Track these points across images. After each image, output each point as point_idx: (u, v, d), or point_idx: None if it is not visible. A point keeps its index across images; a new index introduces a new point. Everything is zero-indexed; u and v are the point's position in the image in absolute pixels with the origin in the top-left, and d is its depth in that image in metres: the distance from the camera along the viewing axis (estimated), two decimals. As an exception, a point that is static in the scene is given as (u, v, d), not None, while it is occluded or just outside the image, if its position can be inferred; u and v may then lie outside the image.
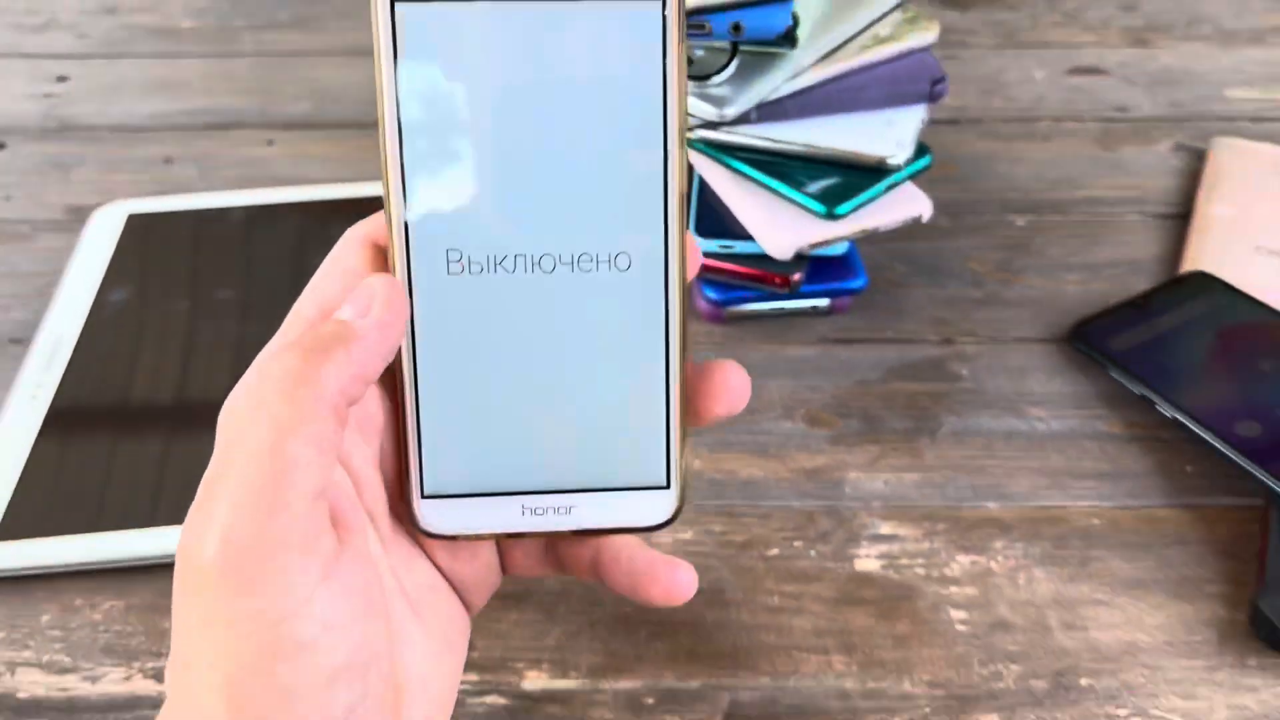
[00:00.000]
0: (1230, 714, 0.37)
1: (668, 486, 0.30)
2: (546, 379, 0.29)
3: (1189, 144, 0.62)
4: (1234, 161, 0.59)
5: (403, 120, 0.27)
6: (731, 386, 0.31)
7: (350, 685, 0.24)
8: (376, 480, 0.29)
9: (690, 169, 0.52)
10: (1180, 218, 0.57)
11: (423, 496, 0.29)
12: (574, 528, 0.30)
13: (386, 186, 0.28)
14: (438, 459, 0.29)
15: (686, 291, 0.29)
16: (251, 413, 0.24)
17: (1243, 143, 0.60)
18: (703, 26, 0.44)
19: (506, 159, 0.28)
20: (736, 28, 0.44)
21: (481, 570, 0.32)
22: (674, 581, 0.31)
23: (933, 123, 0.62)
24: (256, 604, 0.23)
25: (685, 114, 0.28)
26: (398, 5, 0.27)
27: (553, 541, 0.32)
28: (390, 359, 0.27)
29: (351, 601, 0.25)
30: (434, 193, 0.28)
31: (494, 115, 0.28)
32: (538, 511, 0.30)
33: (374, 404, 0.29)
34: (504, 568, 0.33)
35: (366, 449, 0.28)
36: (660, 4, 0.27)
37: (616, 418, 0.30)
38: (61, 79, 0.70)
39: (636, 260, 0.29)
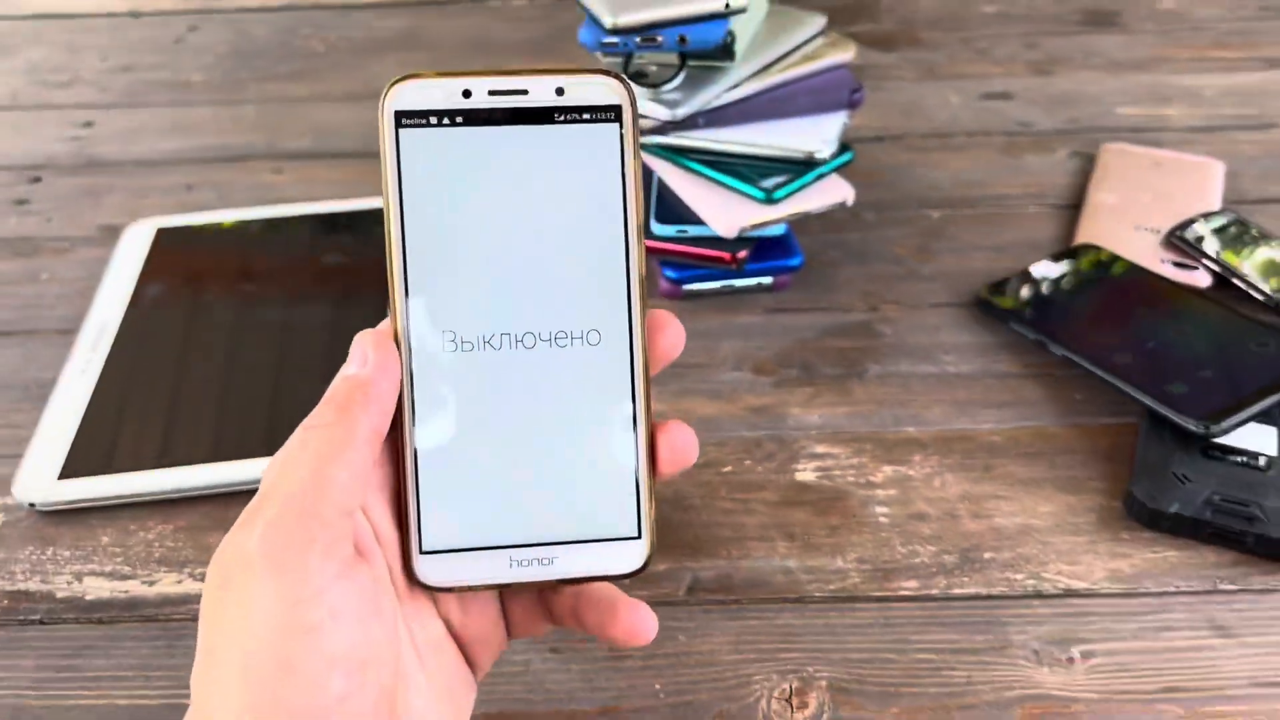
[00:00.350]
0: (1107, 574, 0.44)
1: (639, 537, 0.33)
2: (530, 443, 0.32)
3: (1082, 151, 0.71)
4: (1118, 161, 0.68)
5: (405, 224, 0.31)
6: (679, 447, 0.33)
7: (347, 675, 0.27)
8: (394, 537, 0.32)
9: (649, 171, 0.61)
10: (1073, 207, 0.66)
11: (421, 552, 0.32)
12: (557, 577, 0.32)
13: (391, 280, 0.31)
14: (434, 518, 0.32)
15: (648, 363, 0.33)
16: (299, 450, 0.29)
17: (1127, 146, 0.70)
18: (655, 39, 0.53)
19: (493, 255, 0.32)
20: (682, 39, 0.53)
21: (488, 628, 0.34)
22: (633, 622, 0.33)
23: (862, 140, 0.72)
24: (282, 583, 0.27)
25: (641, 212, 0.32)
26: (401, 130, 0.31)
27: (544, 594, 0.34)
28: (396, 392, 0.31)
29: (359, 602, 0.28)
30: (431, 285, 0.32)
31: (482, 219, 0.32)
32: (523, 563, 0.32)
33: (391, 469, 0.32)
34: (510, 630, 0.35)
35: (387, 508, 0.32)
36: (618, 125, 0.32)
37: (592, 476, 0.32)
38: (88, 124, 0.78)
39: (605, 336, 0.32)
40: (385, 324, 0.32)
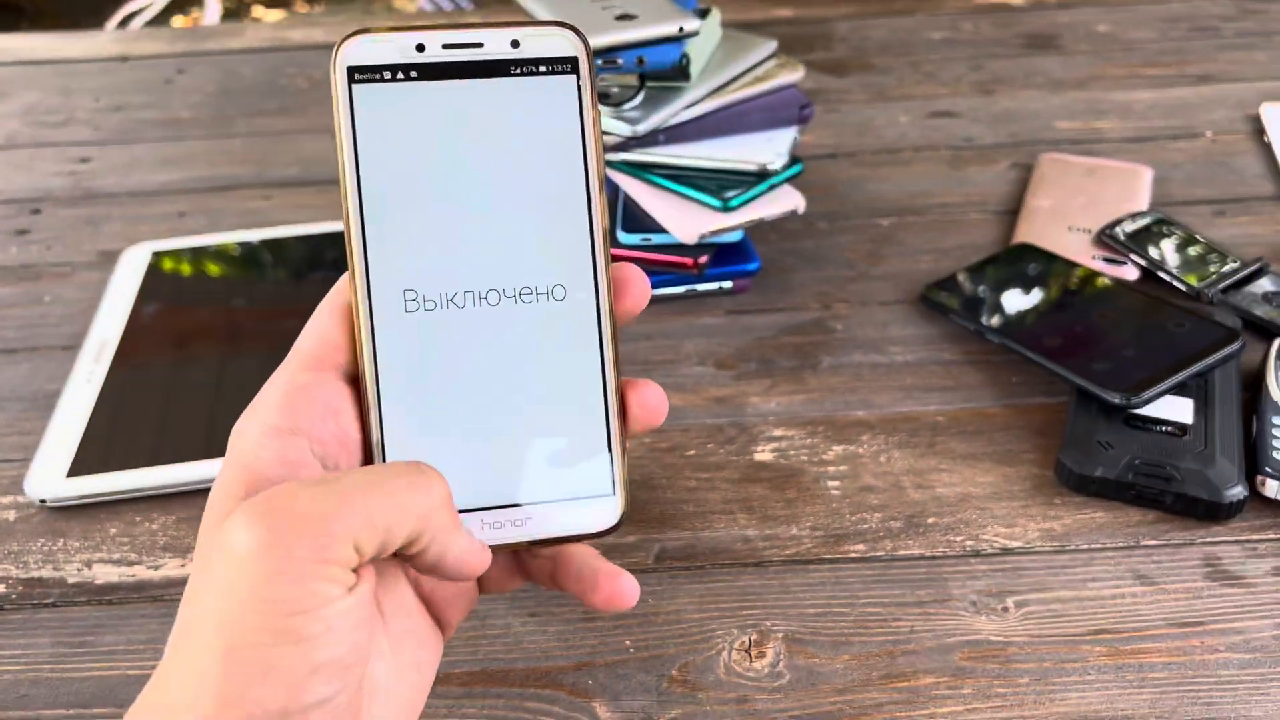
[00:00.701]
0: (1040, 534, 0.48)
1: (612, 493, 0.33)
2: (498, 402, 0.32)
3: (1021, 162, 0.76)
4: (1055, 169, 0.73)
5: (362, 183, 0.30)
6: (650, 405, 0.33)
7: (329, 680, 0.26)
8: None
9: (615, 186, 0.65)
10: (1012, 213, 0.70)
11: None
12: (530, 538, 0.32)
13: (349, 238, 0.30)
14: None
15: (615, 318, 0.32)
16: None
17: (1062, 155, 0.74)
18: (615, 61, 0.58)
19: (452, 211, 0.31)
20: (640, 61, 0.58)
21: (458, 587, 0.34)
22: (615, 590, 0.33)
23: (816, 157, 0.77)
24: (284, 593, 0.26)
25: (603, 165, 0.32)
26: (355, 86, 0.30)
27: (518, 554, 0.34)
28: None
29: (356, 616, 0.27)
30: (390, 243, 0.31)
31: (440, 176, 0.31)
32: (496, 525, 0.32)
33: (352, 427, 0.31)
34: (481, 587, 0.35)
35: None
36: (575, 76, 0.32)
37: (562, 434, 0.32)
38: (84, 160, 0.82)
39: (571, 291, 0.32)
40: (344, 281, 0.31)
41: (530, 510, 0.32)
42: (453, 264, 0.31)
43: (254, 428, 0.30)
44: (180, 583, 0.47)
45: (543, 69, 0.32)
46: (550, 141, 0.32)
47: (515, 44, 0.31)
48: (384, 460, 0.31)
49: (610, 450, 0.33)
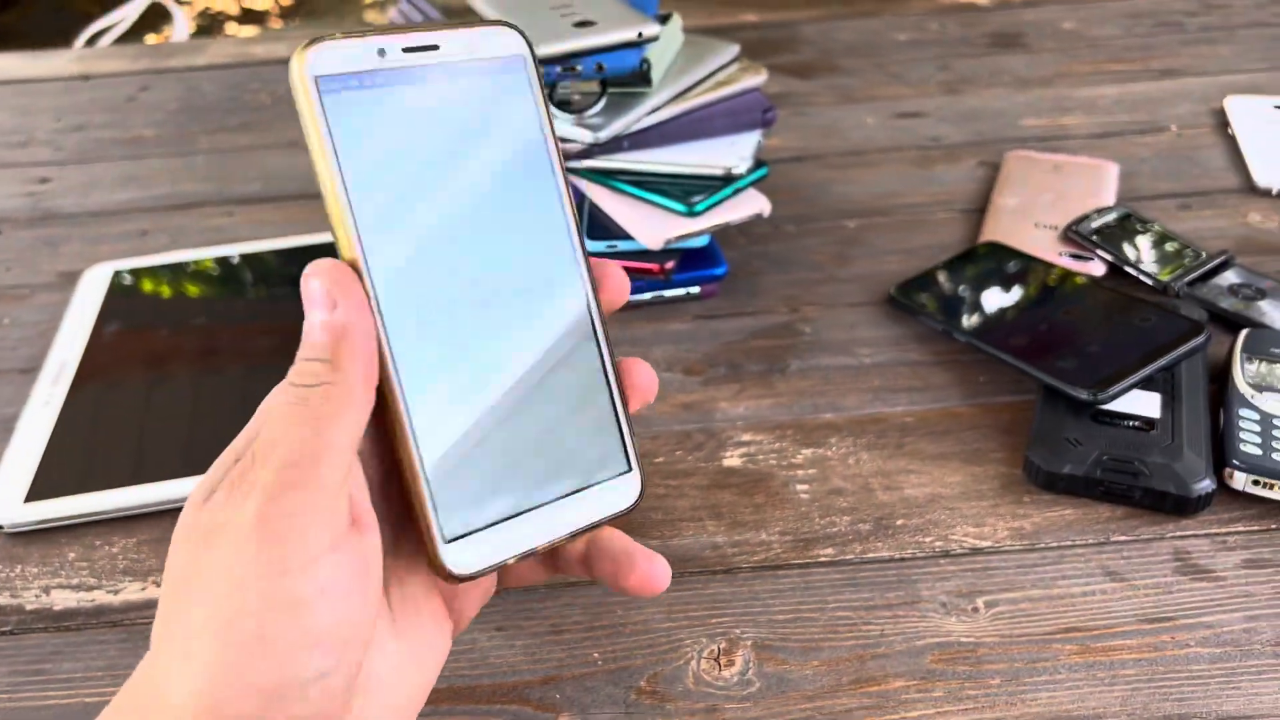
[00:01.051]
0: (1009, 533, 0.48)
1: (630, 469, 0.34)
2: (519, 403, 0.32)
3: (988, 161, 0.76)
4: (1021, 166, 0.73)
5: (351, 195, 0.29)
6: (642, 384, 0.35)
7: (325, 654, 0.26)
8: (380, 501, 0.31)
9: (580, 193, 0.65)
10: (979, 211, 0.70)
11: (445, 542, 0.30)
12: (570, 530, 0.33)
13: (343, 254, 0.30)
14: (447, 499, 0.30)
15: (600, 304, 0.34)
16: (297, 408, 0.28)
17: (1028, 153, 0.74)
18: (574, 68, 0.57)
19: (440, 216, 0.31)
20: (600, 67, 0.57)
21: (479, 588, 0.35)
22: (650, 571, 0.34)
23: (783, 160, 0.76)
24: (273, 553, 0.26)
25: (560, 153, 0.33)
26: (325, 96, 0.29)
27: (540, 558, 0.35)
28: (374, 334, 0.29)
29: (349, 577, 0.27)
30: (388, 254, 0.30)
31: (421, 180, 0.30)
32: (538, 525, 0.32)
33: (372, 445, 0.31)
34: (501, 580, 0.36)
35: (362, 475, 0.30)
36: (525, 71, 0.32)
37: (576, 422, 0.33)
38: (43, 180, 0.81)
39: (559, 283, 0.33)
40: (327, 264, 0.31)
41: (565, 503, 0.33)
42: (452, 270, 0.31)
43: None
44: (141, 606, 0.47)
45: (498, 68, 0.32)
46: (516, 139, 0.32)
47: (469, 45, 0.31)
48: (427, 480, 0.30)
49: (621, 429, 0.34)
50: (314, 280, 0.29)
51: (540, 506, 0.32)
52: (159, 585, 0.47)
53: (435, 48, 0.31)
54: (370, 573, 0.29)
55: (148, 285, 0.66)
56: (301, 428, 0.27)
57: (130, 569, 0.48)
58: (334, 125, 0.29)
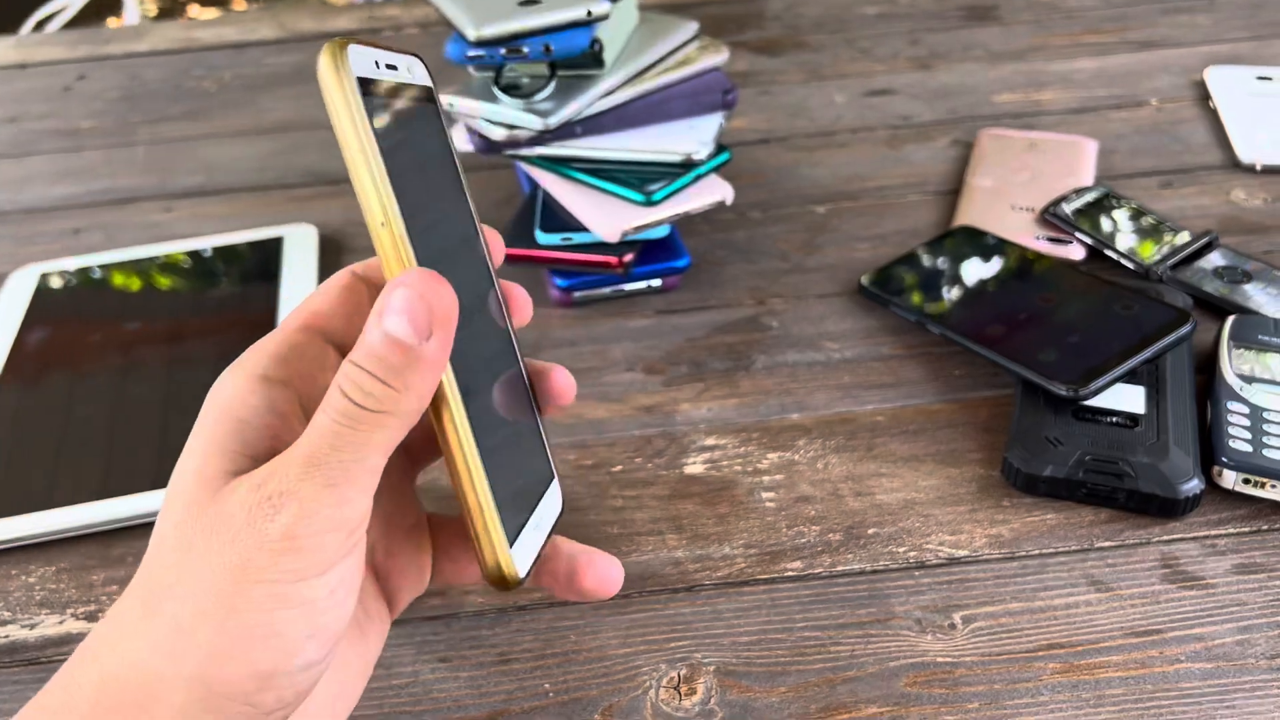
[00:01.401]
0: (987, 540, 0.45)
1: (554, 476, 0.35)
2: (503, 416, 0.32)
3: (962, 139, 0.73)
4: (995, 145, 0.70)
5: (400, 202, 0.28)
6: (556, 390, 0.35)
7: (320, 645, 0.27)
8: None
9: (533, 183, 0.61)
10: (953, 193, 0.67)
11: (511, 548, 0.30)
12: (549, 531, 0.33)
13: (393, 256, 0.29)
14: (502, 510, 0.30)
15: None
16: (348, 431, 0.27)
17: (1002, 131, 0.71)
18: (520, 50, 0.54)
19: (443, 227, 0.31)
20: (547, 49, 0.54)
21: (411, 570, 0.35)
22: (609, 572, 0.34)
23: (747, 143, 0.73)
24: (298, 563, 0.26)
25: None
26: (365, 99, 0.28)
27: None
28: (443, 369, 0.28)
29: (353, 576, 0.28)
30: (426, 263, 0.29)
31: (427, 193, 0.30)
32: (537, 528, 0.32)
33: None
34: (434, 576, 0.35)
35: None
36: (435, 103, 0.32)
37: (525, 434, 0.33)
38: (-27, 177, 0.77)
39: (492, 299, 0.33)
40: (367, 265, 0.33)
41: (543, 505, 0.33)
42: (458, 280, 0.30)
43: (241, 377, 0.29)
44: (58, 640, 0.43)
45: (425, 95, 0.32)
46: (444, 163, 0.32)
47: (410, 70, 0.31)
48: (492, 488, 0.30)
49: (543, 437, 0.35)
50: (408, 292, 0.27)
51: (533, 511, 0.33)
52: (78, 617, 0.44)
53: (396, 68, 0.31)
54: (362, 568, 0.29)
55: (76, 289, 0.62)
56: (344, 453, 0.27)
57: (47, 600, 0.45)
58: (376, 128, 0.28)
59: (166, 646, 0.26)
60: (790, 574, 0.44)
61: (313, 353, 0.31)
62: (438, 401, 0.29)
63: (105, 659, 0.27)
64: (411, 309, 0.27)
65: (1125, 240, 0.60)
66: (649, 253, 0.60)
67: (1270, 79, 0.75)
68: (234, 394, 0.29)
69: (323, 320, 0.32)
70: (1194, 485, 0.44)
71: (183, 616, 0.26)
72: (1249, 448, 0.45)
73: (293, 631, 0.26)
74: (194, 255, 0.65)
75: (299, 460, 0.27)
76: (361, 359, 0.27)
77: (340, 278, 0.33)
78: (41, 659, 0.43)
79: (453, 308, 0.27)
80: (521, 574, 0.31)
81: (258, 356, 0.30)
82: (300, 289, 0.60)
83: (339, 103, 0.27)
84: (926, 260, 0.59)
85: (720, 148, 0.60)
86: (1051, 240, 0.61)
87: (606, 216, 0.57)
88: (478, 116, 0.58)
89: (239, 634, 0.26)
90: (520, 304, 0.35)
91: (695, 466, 0.49)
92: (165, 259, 0.64)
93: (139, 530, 0.48)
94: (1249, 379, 0.48)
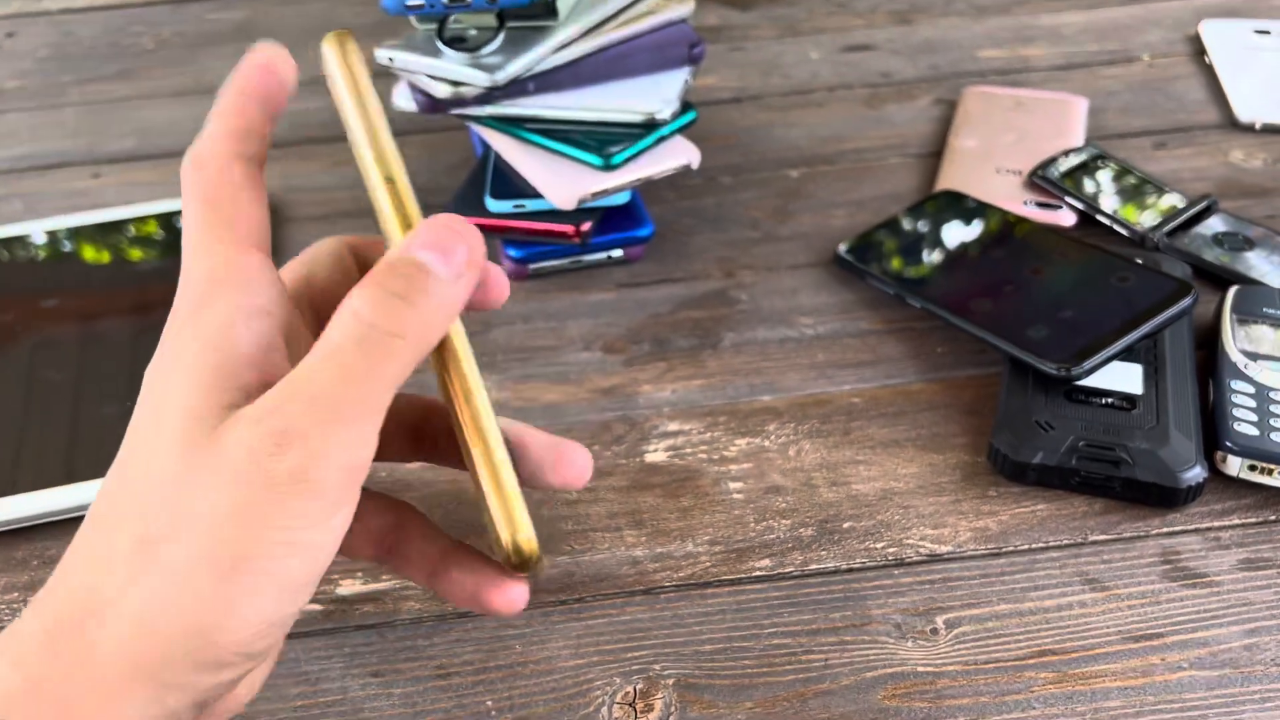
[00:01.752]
0: (972, 535, 0.41)
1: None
2: None
3: (945, 98, 0.69)
4: (980, 104, 0.66)
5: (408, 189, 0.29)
6: (572, 471, 0.32)
7: (312, 589, 0.26)
8: None
9: (485, 145, 0.57)
10: (935, 155, 0.63)
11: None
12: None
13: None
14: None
15: None
16: (381, 353, 0.26)
17: (987, 89, 0.67)
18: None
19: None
20: (492, -2, 0.49)
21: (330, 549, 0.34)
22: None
23: (718, 102, 0.69)
24: (306, 506, 0.24)
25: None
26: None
27: (384, 535, 0.33)
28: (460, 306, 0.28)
29: (349, 519, 0.26)
30: None
31: None
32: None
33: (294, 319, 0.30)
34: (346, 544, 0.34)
35: None
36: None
37: None
38: (-115, 141, 0.72)
39: None
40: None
41: None
42: None
43: (227, 307, 0.26)
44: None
45: None
46: None
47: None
48: (516, 474, 0.29)
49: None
50: (445, 227, 0.27)
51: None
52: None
53: None
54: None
55: (-10, 262, 0.58)
56: (354, 386, 0.25)
57: (-58, 610, 0.41)
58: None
59: (165, 596, 0.24)
60: (758, 573, 0.40)
61: (285, 279, 0.30)
62: (454, 375, 0.28)
63: (100, 613, 0.25)
64: (432, 237, 0.27)
65: (1118, 205, 0.56)
66: (609, 221, 0.56)
67: (1269, 32, 0.71)
68: (222, 323, 0.27)
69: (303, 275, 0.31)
70: (1196, 474, 0.41)
71: (178, 563, 0.24)
72: (1255, 431, 0.42)
73: (297, 578, 0.25)
74: (115, 225, 0.60)
75: (304, 395, 0.25)
76: (383, 276, 0.26)
77: (326, 243, 0.32)
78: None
79: (483, 251, 0.27)
80: (538, 547, 0.30)
81: (234, 286, 0.27)
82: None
83: (337, 64, 0.29)
84: (907, 228, 0.55)
85: (686, 106, 0.56)
86: (1040, 205, 0.57)
87: (562, 181, 0.53)
88: (420, 72, 0.53)
89: (245, 583, 0.24)
90: (496, 280, 0.31)
91: (657, 454, 0.45)
92: (84, 229, 0.60)
93: (47, 530, 0.44)
94: (1253, 355, 0.45)
